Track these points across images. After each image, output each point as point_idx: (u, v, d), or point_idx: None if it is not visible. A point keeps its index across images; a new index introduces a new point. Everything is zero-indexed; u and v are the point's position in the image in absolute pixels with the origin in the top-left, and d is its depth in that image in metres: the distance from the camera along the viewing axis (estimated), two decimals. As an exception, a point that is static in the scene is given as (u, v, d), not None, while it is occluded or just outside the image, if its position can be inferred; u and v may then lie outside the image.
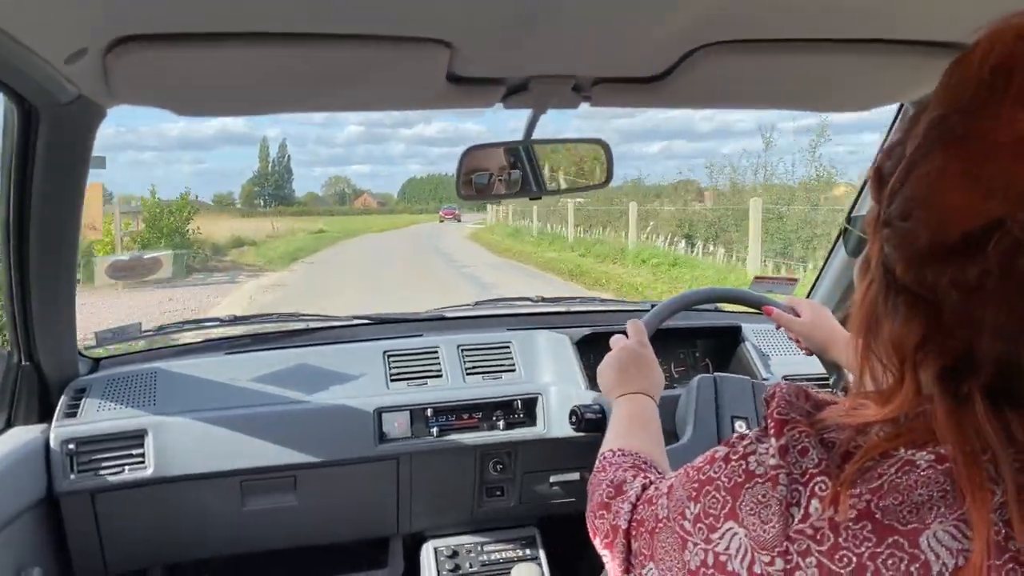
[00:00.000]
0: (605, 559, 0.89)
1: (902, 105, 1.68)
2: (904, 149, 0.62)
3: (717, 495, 0.67)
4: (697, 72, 1.34)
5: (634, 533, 0.84)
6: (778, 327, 1.61)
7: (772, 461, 0.63)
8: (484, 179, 1.71)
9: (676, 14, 1.12)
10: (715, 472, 0.69)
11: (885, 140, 1.88)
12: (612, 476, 0.96)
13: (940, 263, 0.58)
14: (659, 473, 0.99)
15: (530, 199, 1.72)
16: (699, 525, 0.69)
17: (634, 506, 0.86)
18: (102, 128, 1.42)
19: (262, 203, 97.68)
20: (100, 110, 1.36)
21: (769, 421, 0.66)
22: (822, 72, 1.40)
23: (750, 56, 1.29)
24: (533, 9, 1.07)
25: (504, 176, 1.71)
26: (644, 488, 0.88)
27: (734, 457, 0.68)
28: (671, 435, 1.62)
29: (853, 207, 2.08)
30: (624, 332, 1.43)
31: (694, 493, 0.71)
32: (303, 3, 1.03)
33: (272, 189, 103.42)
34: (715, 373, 1.70)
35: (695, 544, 0.69)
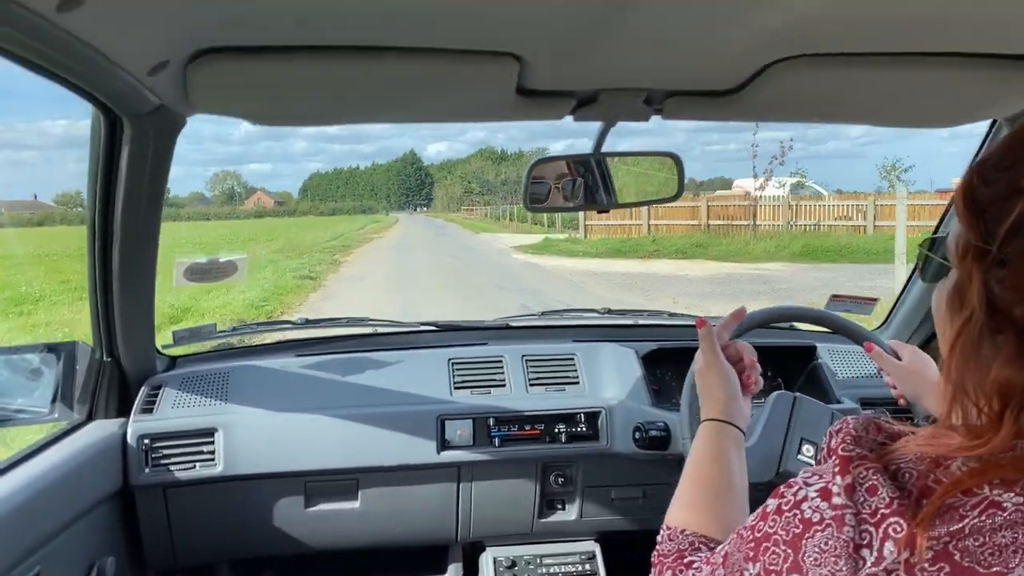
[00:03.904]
0: None
1: (995, 122, 1.60)
2: (1013, 179, 0.59)
3: (777, 550, 0.65)
4: (774, 86, 1.31)
5: None
6: (879, 371, 1.55)
7: (836, 501, 0.61)
8: (543, 189, 1.70)
9: (752, 28, 1.09)
10: (771, 527, 0.67)
11: (976, 156, 1.79)
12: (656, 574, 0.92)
13: None
14: (710, 548, 0.91)
15: (598, 212, 1.70)
16: None
17: None
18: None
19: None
20: (180, 119, 1.42)
21: (833, 457, 0.64)
22: (907, 87, 1.35)
23: (830, 70, 1.25)
24: (603, 25, 1.06)
25: (563, 184, 1.69)
26: None
27: (786, 508, 0.66)
28: None
29: (937, 230, 1.98)
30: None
31: (751, 553, 0.68)
32: (378, 17, 1.05)
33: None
34: (797, 393, 1.64)
35: None
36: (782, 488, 0.68)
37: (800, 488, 0.65)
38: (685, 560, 0.90)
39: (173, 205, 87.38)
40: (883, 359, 1.48)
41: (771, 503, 0.68)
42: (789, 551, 0.64)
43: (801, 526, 0.63)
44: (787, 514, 0.65)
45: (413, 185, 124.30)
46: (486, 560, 2.12)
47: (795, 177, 22.09)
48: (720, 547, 0.78)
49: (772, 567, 0.65)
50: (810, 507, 0.63)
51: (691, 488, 1.02)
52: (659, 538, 0.97)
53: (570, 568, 2.09)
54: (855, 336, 1.64)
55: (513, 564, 2.10)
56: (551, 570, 2.09)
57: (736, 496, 1.01)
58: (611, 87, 1.35)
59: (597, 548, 2.15)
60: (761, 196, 20.27)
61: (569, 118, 1.46)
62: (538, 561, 2.11)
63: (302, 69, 1.17)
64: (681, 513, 0.98)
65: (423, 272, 15.86)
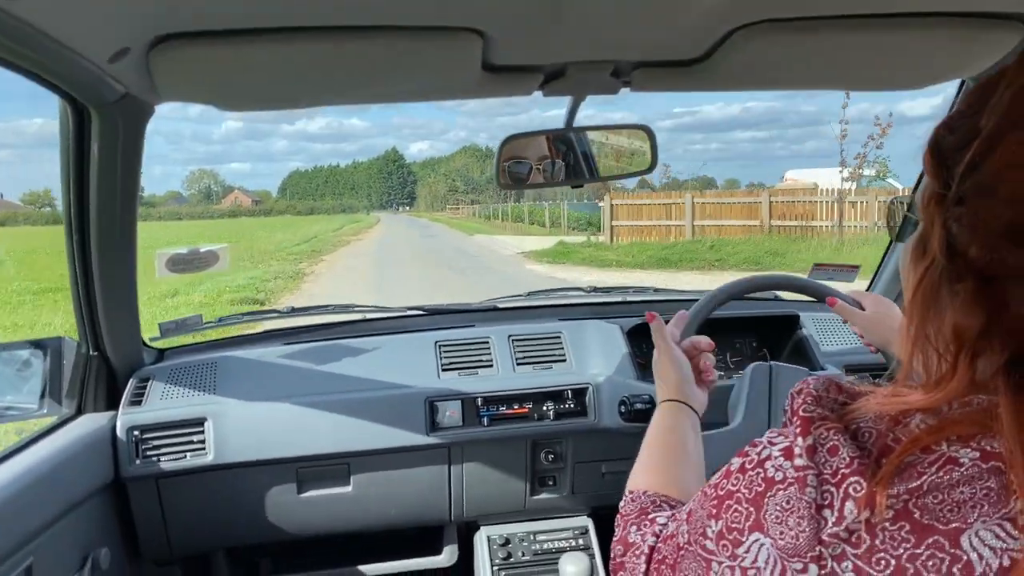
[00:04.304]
0: None
1: (963, 82, 1.60)
2: (974, 123, 0.59)
3: (739, 508, 0.66)
4: (740, 53, 1.31)
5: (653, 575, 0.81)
6: (844, 321, 1.56)
7: (799, 462, 0.61)
8: (524, 168, 1.70)
9: None
10: (733, 485, 0.67)
11: None
12: (622, 532, 0.92)
13: (1022, 244, 0.55)
14: (671, 506, 0.94)
15: (571, 187, 1.71)
16: (723, 542, 0.67)
17: (649, 555, 0.83)
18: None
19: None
20: (148, 107, 1.42)
21: (795, 419, 0.64)
22: (874, 50, 1.34)
23: (796, 35, 1.25)
24: None
25: (543, 165, 1.69)
26: (656, 535, 0.84)
27: (750, 466, 0.66)
28: (722, 425, 1.59)
29: (914, 193, 1.99)
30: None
31: (714, 510, 0.69)
32: None
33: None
34: (771, 362, 1.65)
35: (720, 563, 0.67)
36: (747, 447, 0.68)
37: (764, 447, 0.65)
38: (649, 516, 0.91)
39: (147, 204, 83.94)
40: (846, 311, 1.49)
41: (735, 462, 0.69)
42: (751, 509, 0.64)
43: (764, 484, 0.63)
44: (750, 472, 0.65)
45: (395, 183, 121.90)
46: (480, 539, 2.14)
47: (874, 167, 17.53)
48: (684, 505, 0.79)
49: (734, 524, 0.66)
50: (773, 466, 0.63)
51: (650, 455, 1.06)
52: (621, 503, 0.98)
53: (563, 543, 2.11)
54: (816, 293, 1.63)
55: (507, 541, 2.11)
56: (545, 546, 2.11)
57: (691, 461, 1.05)
58: (578, 60, 1.35)
59: (590, 523, 2.16)
60: (851, 190, 16.33)
61: (539, 94, 1.46)
62: (532, 538, 2.12)
63: (263, 52, 1.16)
64: (642, 477, 1.01)
65: (413, 289, 12.23)
